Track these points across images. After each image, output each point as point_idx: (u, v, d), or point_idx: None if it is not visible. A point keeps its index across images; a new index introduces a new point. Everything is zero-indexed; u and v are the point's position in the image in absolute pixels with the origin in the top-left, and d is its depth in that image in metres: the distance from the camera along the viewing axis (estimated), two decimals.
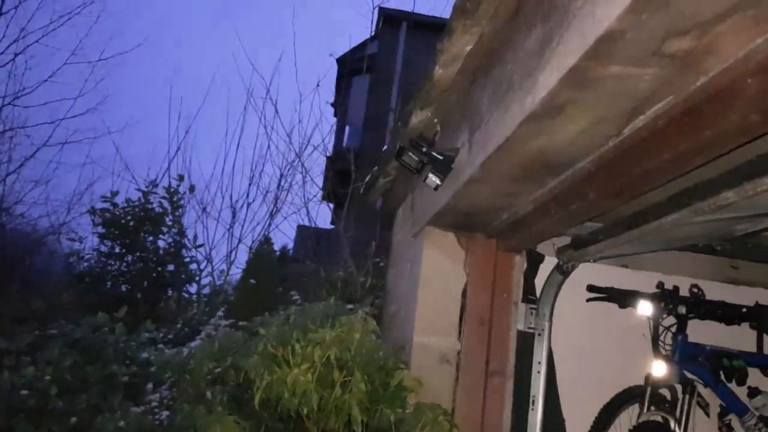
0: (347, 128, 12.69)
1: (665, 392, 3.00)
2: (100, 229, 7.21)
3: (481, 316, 3.09)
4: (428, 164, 2.53)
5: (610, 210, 2.33)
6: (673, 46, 1.34)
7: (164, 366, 4.08)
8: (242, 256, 7.81)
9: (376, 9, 9.12)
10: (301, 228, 8.86)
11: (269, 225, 8.09)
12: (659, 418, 2.94)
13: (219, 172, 8.64)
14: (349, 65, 10.82)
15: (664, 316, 3.06)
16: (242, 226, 8.16)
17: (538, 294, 3.23)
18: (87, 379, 4.58)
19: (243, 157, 8.87)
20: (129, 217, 7.08)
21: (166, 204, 7.35)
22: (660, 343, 3.03)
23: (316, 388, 2.58)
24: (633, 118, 1.70)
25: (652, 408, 2.91)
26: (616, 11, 1.25)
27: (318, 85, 8.23)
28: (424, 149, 2.57)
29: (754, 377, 3.10)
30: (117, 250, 7.08)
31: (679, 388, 2.94)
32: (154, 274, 7.05)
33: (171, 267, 7.23)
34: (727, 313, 3.12)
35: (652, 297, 3.06)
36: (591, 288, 3.19)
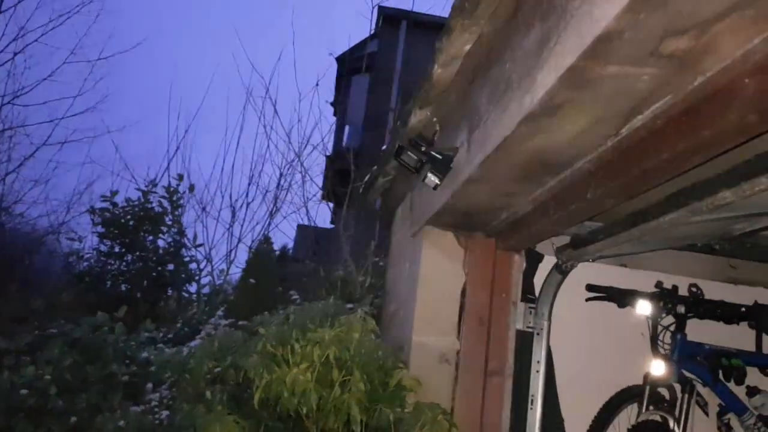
0: (347, 127, 12.69)
1: (664, 391, 3.00)
2: (99, 229, 7.22)
3: (480, 315, 3.09)
4: (427, 164, 2.53)
5: (609, 209, 2.33)
6: (671, 46, 1.34)
7: (164, 365, 4.08)
8: (242, 256, 7.83)
9: (376, 8, 9.13)
10: (300, 227, 8.87)
11: (269, 224, 8.10)
12: (658, 418, 2.95)
13: (218, 172, 8.67)
14: (349, 64, 10.83)
15: (663, 315, 3.06)
16: (242, 226, 8.17)
17: (537, 293, 3.23)
18: (87, 379, 4.59)
19: (242, 157, 8.86)
20: (128, 217, 7.08)
21: (165, 203, 7.36)
22: (659, 342, 3.03)
23: (315, 388, 2.59)
24: (631, 118, 1.71)
25: (651, 407, 2.91)
26: (614, 11, 1.25)
27: (317, 85, 8.25)
28: (423, 149, 2.57)
29: (753, 376, 3.10)
30: (116, 249, 7.09)
31: (678, 387, 2.95)
32: (154, 274, 7.05)
33: (171, 266, 7.23)
34: (726, 313, 3.12)
35: (651, 296, 3.07)
36: (590, 287, 3.19)
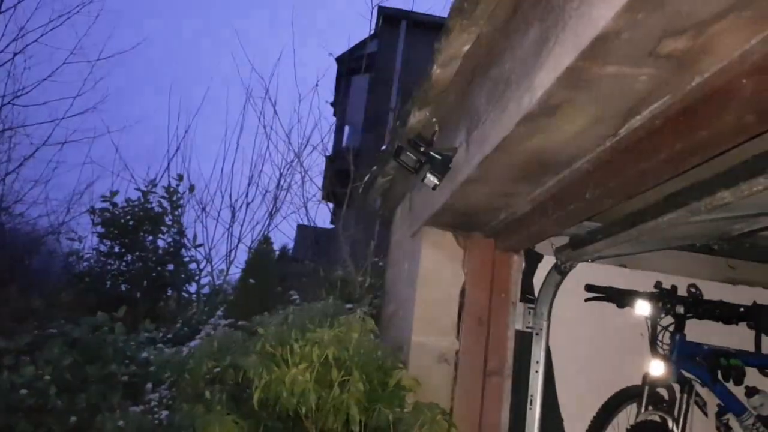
0: (347, 128, 12.69)
1: (663, 392, 3.00)
2: (99, 229, 7.21)
3: (480, 315, 3.09)
4: (426, 164, 2.53)
5: (608, 210, 2.33)
6: (668, 46, 1.34)
7: (163, 365, 4.08)
8: (242, 256, 7.83)
9: (376, 8, 9.14)
10: (300, 227, 8.87)
11: (268, 225, 8.11)
12: (657, 418, 2.95)
13: (218, 172, 8.67)
14: (349, 64, 10.82)
15: (662, 315, 3.06)
16: (241, 226, 8.17)
17: (536, 293, 3.23)
18: (86, 379, 4.59)
19: (242, 157, 8.87)
20: (128, 217, 7.08)
21: (165, 203, 7.35)
22: (658, 342, 3.03)
23: (314, 388, 2.59)
24: (629, 118, 1.71)
25: (650, 407, 2.91)
26: (612, 11, 1.25)
27: (317, 85, 8.25)
28: (422, 149, 2.57)
29: (752, 377, 3.10)
30: (116, 249, 7.08)
31: (677, 387, 2.95)
32: (154, 274, 7.04)
33: (170, 267, 7.23)
34: (725, 313, 3.12)
35: (650, 296, 3.07)
36: (589, 288, 3.20)
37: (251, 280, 5.66)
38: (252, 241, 7.89)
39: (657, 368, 2.93)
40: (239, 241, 8.01)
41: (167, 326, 5.88)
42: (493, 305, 3.11)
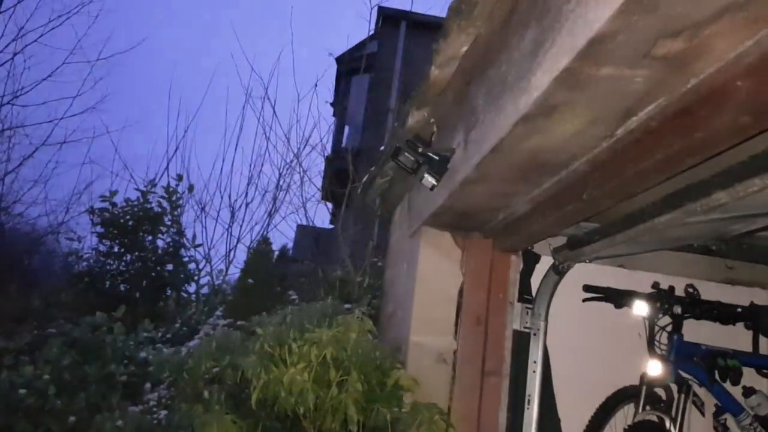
0: (346, 128, 12.70)
1: (661, 392, 3.01)
2: (98, 229, 7.22)
3: (478, 315, 3.10)
4: (424, 164, 2.54)
5: (605, 210, 2.34)
6: (664, 48, 1.35)
7: (162, 365, 4.08)
8: (241, 256, 7.84)
9: (375, 8, 9.14)
10: (300, 227, 8.88)
11: (268, 225, 8.12)
12: (655, 418, 2.96)
13: (218, 172, 8.68)
14: (348, 64, 10.83)
15: (660, 315, 3.08)
16: (241, 226, 8.19)
17: (534, 294, 3.24)
18: (85, 379, 4.60)
19: (242, 157, 8.89)
20: (128, 217, 7.08)
21: (164, 203, 7.36)
22: (655, 342, 3.05)
23: (312, 388, 2.59)
24: (626, 119, 1.71)
25: (648, 407, 2.92)
26: (607, 13, 1.26)
27: (316, 85, 8.26)
28: (420, 149, 2.58)
29: (749, 377, 3.11)
30: (116, 249, 7.09)
31: (674, 387, 2.96)
32: (153, 274, 7.05)
33: (170, 266, 7.23)
34: (723, 313, 3.14)
35: (648, 297, 3.08)
36: (587, 288, 3.21)
37: (250, 280, 5.67)
38: (251, 241, 7.91)
39: (654, 368, 2.94)
40: (238, 241, 8.03)
41: (166, 326, 5.89)
42: (491, 305, 3.12)
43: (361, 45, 10.27)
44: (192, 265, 7.44)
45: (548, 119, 1.77)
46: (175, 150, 8.71)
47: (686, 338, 3.03)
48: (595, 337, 3.33)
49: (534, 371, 3.15)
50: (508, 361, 3.10)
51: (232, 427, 2.72)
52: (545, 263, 3.24)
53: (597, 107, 1.67)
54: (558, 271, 3.17)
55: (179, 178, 7.99)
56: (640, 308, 3.05)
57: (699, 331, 3.12)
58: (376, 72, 11.42)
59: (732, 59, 1.35)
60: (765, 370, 3.26)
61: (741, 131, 1.50)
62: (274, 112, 8.21)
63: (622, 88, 1.54)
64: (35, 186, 10.54)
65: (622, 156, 1.87)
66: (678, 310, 3.03)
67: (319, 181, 8.60)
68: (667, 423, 2.89)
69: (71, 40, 11.07)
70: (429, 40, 2.39)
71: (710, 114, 1.50)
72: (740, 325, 3.21)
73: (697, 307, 3.08)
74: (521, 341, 3.16)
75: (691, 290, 3.12)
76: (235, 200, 8.30)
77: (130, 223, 7.06)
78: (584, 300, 3.21)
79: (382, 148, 3.84)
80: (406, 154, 2.58)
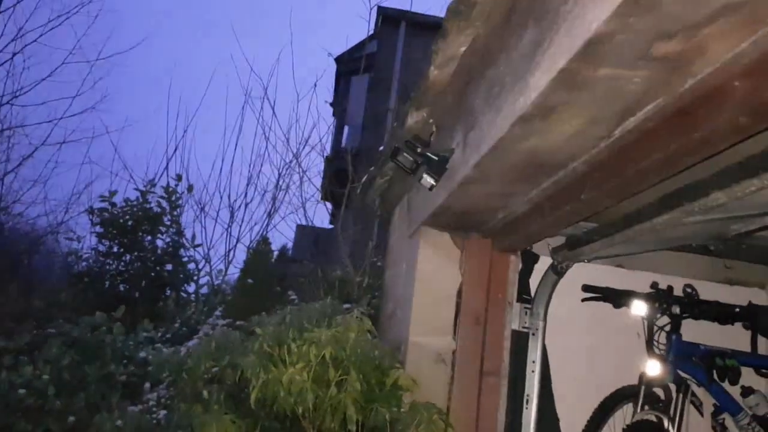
0: (346, 128, 12.70)
1: (659, 391, 3.02)
2: (98, 229, 7.23)
3: (477, 315, 3.10)
4: (423, 165, 2.54)
5: (604, 210, 2.35)
6: (661, 49, 1.35)
7: (162, 365, 4.08)
8: (240, 256, 7.85)
9: (375, 8, 9.16)
10: (300, 228, 8.89)
11: (267, 225, 8.13)
12: (653, 417, 2.96)
13: (217, 172, 8.70)
14: (348, 65, 10.84)
15: (659, 315, 3.08)
16: (240, 226, 8.21)
17: (532, 294, 3.24)
18: (85, 379, 4.60)
19: (241, 157, 8.91)
20: (127, 217, 7.09)
21: (164, 203, 7.37)
22: (654, 342, 3.05)
23: (311, 387, 2.60)
24: (624, 120, 1.72)
25: (646, 407, 2.93)
26: (604, 14, 1.26)
27: (315, 86, 8.27)
28: (419, 150, 2.58)
29: (748, 377, 3.12)
30: (115, 249, 7.10)
31: (673, 387, 2.97)
32: (153, 274, 7.06)
33: (169, 266, 7.24)
34: (721, 313, 3.14)
35: (647, 297, 3.08)
36: (586, 288, 3.21)
37: (250, 280, 5.68)
38: (251, 242, 7.92)
39: (653, 368, 2.94)
40: (238, 241, 8.05)
41: (166, 326, 5.89)
42: (490, 305, 3.12)
43: (361, 45, 10.28)
44: (191, 265, 7.45)
45: (546, 120, 1.77)
46: (175, 150, 8.73)
47: (685, 338, 3.04)
48: (594, 337, 3.33)
49: (533, 371, 3.15)
50: (507, 361, 3.10)
51: (231, 427, 2.73)
52: (544, 263, 3.24)
53: (595, 108, 1.68)
54: (557, 271, 3.18)
55: (179, 178, 8.01)
56: (639, 308, 3.06)
57: (697, 331, 3.12)
58: (375, 72, 11.42)
59: (729, 60, 1.35)
60: (763, 370, 3.27)
61: (738, 131, 1.50)
62: (274, 112, 8.23)
63: (620, 89, 1.55)
64: (35, 186, 10.55)
65: (621, 156, 1.88)
66: (676, 309, 3.04)
67: (318, 182, 8.62)
68: (666, 423, 2.89)
69: (71, 40, 11.08)
70: (429, 40, 2.39)
71: (708, 114, 1.50)
72: (739, 325, 3.22)
73: (695, 307, 3.09)
74: (520, 341, 3.16)
75: (689, 290, 3.12)
76: (235, 200, 8.33)
77: (130, 223, 7.07)
78: (583, 300, 3.22)
79: (382, 148, 3.84)
80: (405, 154, 2.58)
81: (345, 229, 6.54)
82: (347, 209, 6.92)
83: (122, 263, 7.10)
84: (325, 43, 23.03)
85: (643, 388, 2.94)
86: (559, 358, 3.28)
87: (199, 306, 6.42)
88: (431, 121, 2.75)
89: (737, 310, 3.16)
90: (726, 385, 3.01)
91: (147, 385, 4.57)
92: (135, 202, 7.20)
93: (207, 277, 7.52)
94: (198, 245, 7.72)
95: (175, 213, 7.47)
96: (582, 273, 3.22)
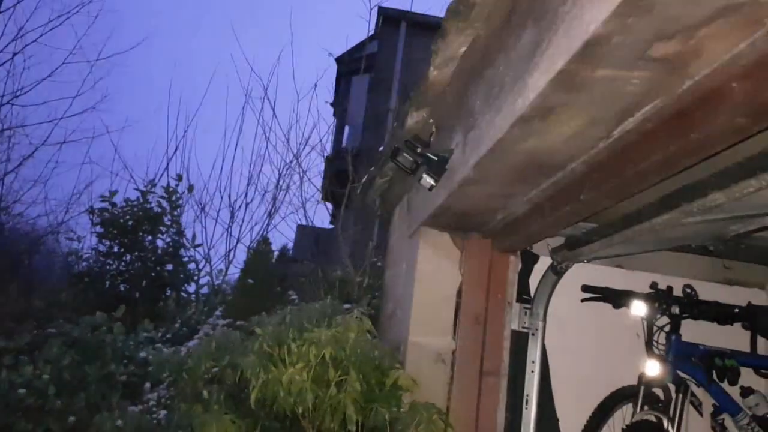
0: (346, 128, 12.71)
1: (659, 392, 3.02)
2: (98, 229, 7.24)
3: (476, 315, 3.11)
4: (422, 165, 2.55)
5: (603, 211, 2.35)
6: (659, 50, 1.35)
7: (162, 365, 4.09)
8: (240, 256, 7.86)
9: (375, 8, 9.16)
10: (300, 228, 8.89)
11: (267, 225, 8.13)
12: (653, 418, 2.97)
13: (217, 172, 8.71)
14: (349, 65, 10.84)
15: (658, 316, 3.08)
16: (240, 226, 8.21)
17: (532, 294, 3.25)
18: (85, 378, 4.61)
19: (241, 157, 8.93)
20: (127, 217, 7.10)
21: (164, 203, 7.38)
22: (654, 342, 3.05)
23: (311, 387, 2.60)
24: (622, 121, 1.72)
25: (646, 407, 2.93)
26: (603, 15, 1.26)
27: (315, 86, 8.28)
28: (419, 150, 2.58)
29: (748, 377, 3.12)
30: (116, 249, 7.11)
31: (672, 387, 2.97)
32: (153, 274, 7.07)
33: (169, 266, 7.25)
34: (720, 313, 3.14)
35: (646, 297, 3.08)
36: (585, 288, 3.21)
37: (250, 281, 5.69)
38: (251, 242, 7.93)
39: (653, 368, 2.94)
40: (238, 241, 8.06)
41: (166, 326, 5.90)
42: (489, 305, 3.12)
43: (361, 45, 10.27)
44: (192, 265, 7.46)
45: (545, 120, 1.78)
46: (175, 150, 8.74)
47: (684, 338, 3.04)
48: (594, 337, 3.34)
49: (532, 371, 3.16)
50: (507, 361, 3.10)
51: (231, 427, 2.73)
52: (544, 263, 3.25)
53: (594, 108, 1.68)
54: (556, 272, 3.18)
55: (179, 178, 8.01)
56: (638, 308, 3.06)
57: (697, 332, 3.12)
58: (376, 72, 11.43)
59: (727, 61, 1.36)
60: (763, 370, 3.27)
61: (737, 132, 1.51)
62: (274, 112, 8.24)
63: (619, 90, 1.55)
64: (35, 186, 10.56)
65: (620, 157, 1.88)
66: (676, 310, 3.04)
67: (318, 182, 8.63)
68: (665, 423, 2.90)
69: (71, 40, 11.10)
70: (429, 40, 2.39)
71: (706, 115, 1.51)
72: (738, 326, 3.22)
73: (695, 307, 3.09)
74: (520, 341, 3.17)
75: (689, 290, 3.12)
76: (235, 200, 8.33)
77: (130, 223, 7.07)
78: (583, 300, 3.22)
79: (382, 148, 3.84)
80: (405, 154, 2.58)
81: (345, 229, 6.54)
82: (347, 209, 6.93)
83: (122, 263, 7.11)
84: (326, 44, 23.03)
85: (642, 388, 2.95)
86: (559, 358, 3.28)
87: (200, 306, 6.43)
88: (431, 121, 2.75)
89: (736, 310, 3.16)
90: (725, 385, 3.01)
91: (147, 385, 4.58)
92: (135, 202, 7.21)
93: (207, 277, 7.53)
94: (198, 245, 7.73)
95: (175, 213, 7.48)
96: (581, 273, 3.23)
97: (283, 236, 11.02)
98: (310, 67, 8.85)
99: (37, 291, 7.14)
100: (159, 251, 7.23)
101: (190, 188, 8.11)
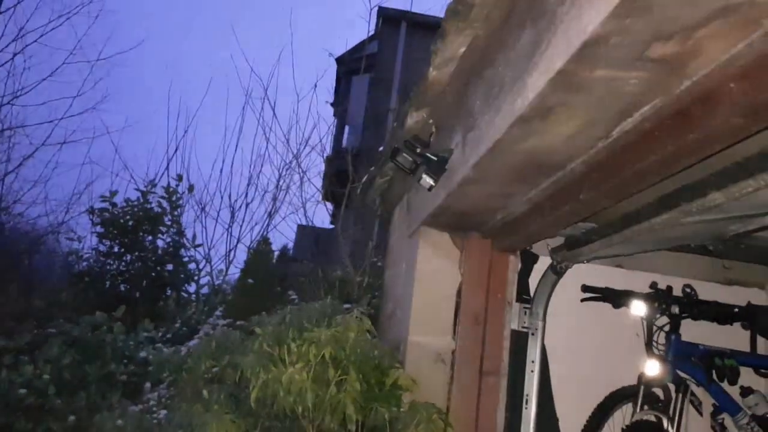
0: (346, 128, 12.71)
1: (658, 391, 3.02)
2: (99, 229, 7.25)
3: (476, 315, 3.11)
4: (422, 165, 2.55)
5: (603, 210, 2.35)
6: (657, 51, 1.36)
7: (162, 365, 4.10)
8: (241, 256, 7.87)
9: (375, 9, 9.17)
10: (300, 228, 8.90)
11: (268, 225, 8.14)
12: (652, 417, 2.97)
13: (218, 172, 8.71)
14: (349, 65, 10.85)
15: (658, 315, 3.08)
16: (241, 226, 8.22)
17: (532, 294, 3.25)
18: (85, 378, 4.62)
19: (241, 157, 8.94)
20: (128, 217, 7.11)
21: (164, 204, 7.39)
22: (653, 342, 3.05)
23: (311, 387, 2.60)
24: (621, 121, 1.73)
25: (646, 407, 2.93)
26: (601, 16, 1.27)
27: (315, 86, 8.28)
28: (419, 150, 2.58)
29: (747, 376, 3.12)
30: (116, 249, 7.12)
31: (672, 387, 2.97)
32: (153, 274, 7.08)
33: (170, 266, 7.26)
34: (720, 313, 3.14)
35: (646, 297, 3.08)
36: (585, 288, 3.21)
37: (250, 280, 5.69)
38: (251, 242, 7.93)
39: (652, 368, 2.95)
40: (238, 241, 8.06)
41: (166, 326, 5.91)
42: (489, 305, 3.12)
43: (361, 45, 10.28)
44: (192, 265, 7.47)
45: (544, 120, 1.78)
46: (175, 150, 8.75)
47: (684, 338, 3.04)
48: (593, 337, 3.34)
49: (532, 371, 3.16)
50: (506, 361, 3.11)
51: (231, 427, 2.73)
52: (543, 263, 3.25)
53: (592, 109, 1.69)
54: (556, 271, 3.18)
55: (179, 178, 8.02)
56: (638, 308, 3.06)
57: (697, 331, 3.13)
58: (376, 72, 11.44)
59: (725, 61, 1.36)
60: (762, 370, 3.27)
61: (735, 132, 1.51)
62: (274, 112, 8.25)
63: (617, 90, 1.56)
64: (35, 186, 10.57)
65: (618, 157, 1.88)
66: (676, 310, 3.04)
67: (318, 182, 8.63)
68: (665, 423, 2.90)
69: (71, 40, 11.11)
70: (429, 40, 2.40)
71: (704, 115, 1.51)
72: (738, 325, 3.22)
73: (694, 307, 3.09)
74: (519, 341, 3.17)
75: (688, 290, 3.13)
76: (235, 200, 8.34)
77: (130, 223, 7.08)
78: (582, 300, 3.22)
79: (382, 148, 3.85)
80: (404, 154, 2.58)
81: (345, 229, 6.55)
82: (347, 209, 6.93)
83: (123, 263, 7.12)
84: (326, 44, 23.04)
85: (642, 388, 2.95)
86: (559, 358, 3.29)
87: (200, 306, 6.43)
88: (431, 121, 2.76)
89: (736, 310, 3.17)
90: (725, 385, 3.01)
91: (147, 384, 4.58)
92: (135, 202, 7.21)
93: (207, 277, 7.54)
94: (198, 245, 7.74)
95: (175, 213, 7.49)
96: (581, 273, 3.23)
97: (283, 236, 11.01)
98: (310, 68, 8.86)
99: (37, 291, 7.15)
100: (159, 251, 7.24)
101: (191, 188, 8.13)
